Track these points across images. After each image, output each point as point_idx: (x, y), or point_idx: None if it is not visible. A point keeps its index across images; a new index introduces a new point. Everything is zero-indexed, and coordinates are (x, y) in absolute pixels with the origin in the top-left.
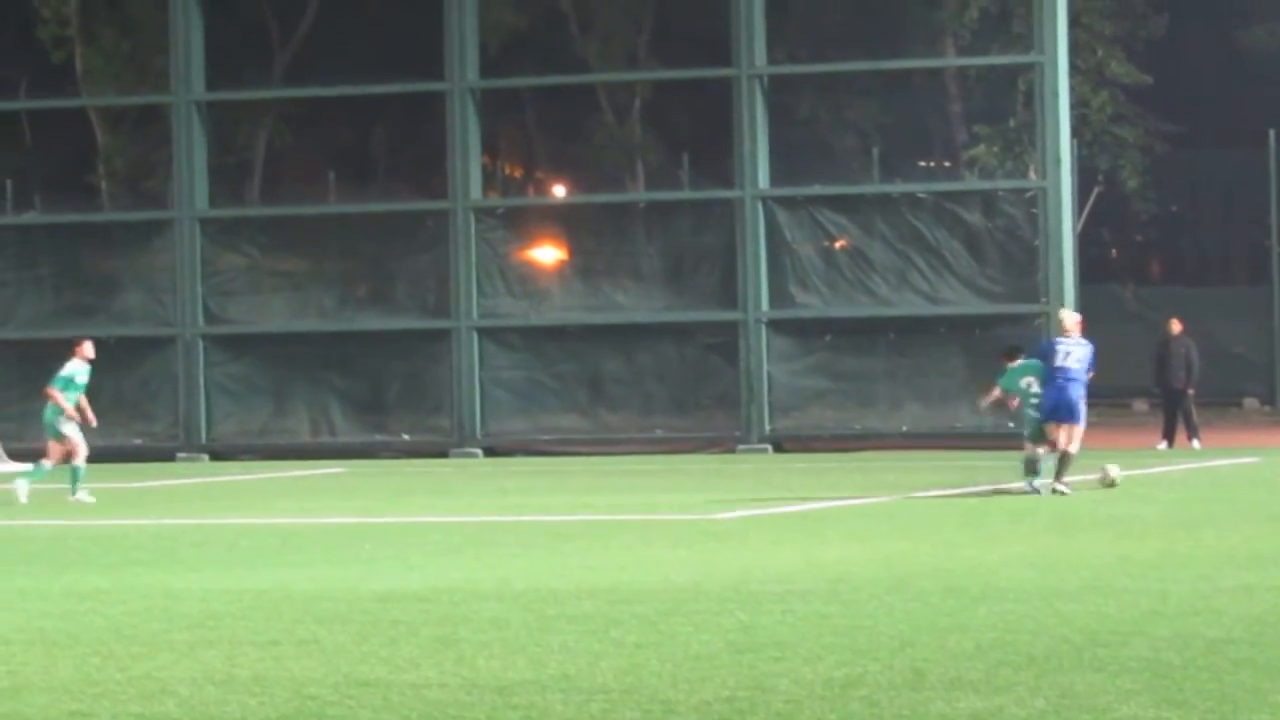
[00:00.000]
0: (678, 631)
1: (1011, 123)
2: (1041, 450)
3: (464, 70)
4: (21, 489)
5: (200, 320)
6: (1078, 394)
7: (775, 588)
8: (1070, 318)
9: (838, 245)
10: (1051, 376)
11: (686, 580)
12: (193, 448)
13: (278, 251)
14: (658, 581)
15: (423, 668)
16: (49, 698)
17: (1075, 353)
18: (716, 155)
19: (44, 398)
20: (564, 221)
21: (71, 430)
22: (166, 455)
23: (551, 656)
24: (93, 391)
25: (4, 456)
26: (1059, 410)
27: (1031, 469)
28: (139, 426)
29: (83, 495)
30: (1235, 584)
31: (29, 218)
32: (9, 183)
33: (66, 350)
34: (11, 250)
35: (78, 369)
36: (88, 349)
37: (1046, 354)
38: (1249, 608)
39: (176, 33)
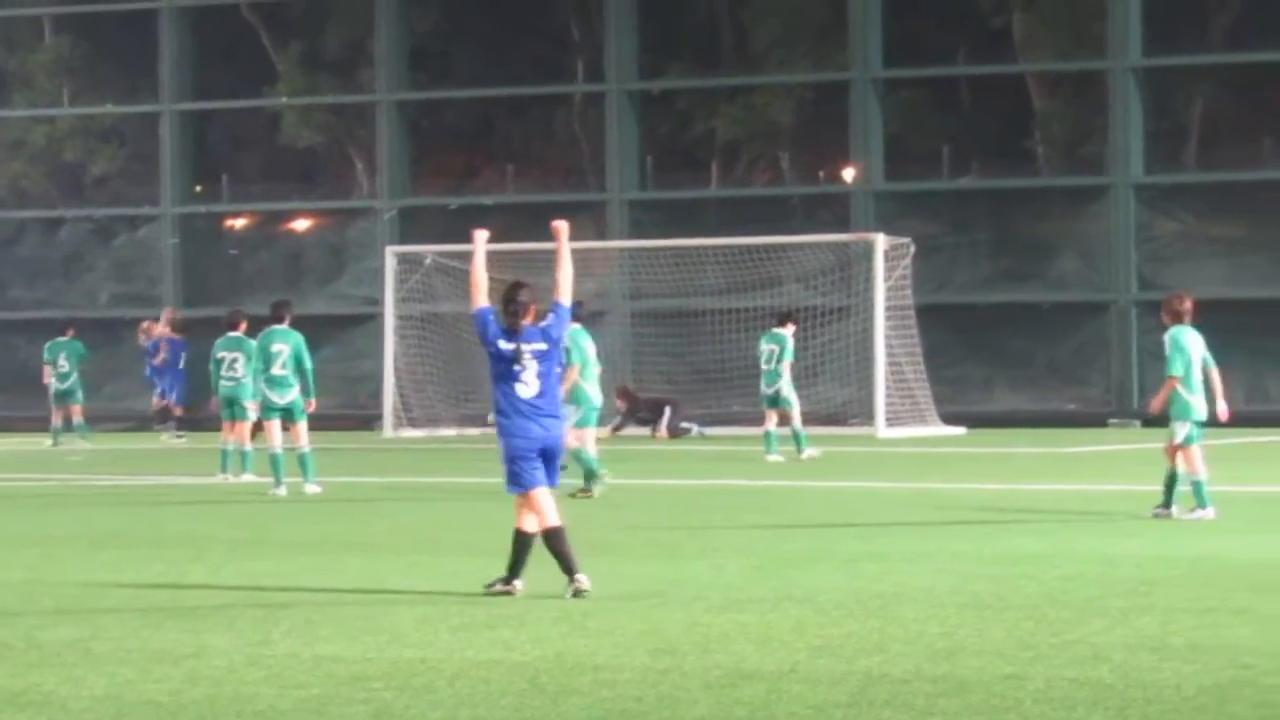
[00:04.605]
0: None
1: None
2: None
3: None
4: None
5: (1134, 287)
6: None
7: None
8: None
9: None
10: None
11: None
12: (1124, 414)
13: (1213, 217)
14: None
15: None
16: (982, 660)
17: None
18: None
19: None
20: None
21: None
22: (1098, 421)
23: None
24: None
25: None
26: None
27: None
28: (1072, 392)
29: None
30: None
31: (965, 183)
32: (945, 149)
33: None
34: (949, 215)
35: None
36: None
37: None
38: None
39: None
